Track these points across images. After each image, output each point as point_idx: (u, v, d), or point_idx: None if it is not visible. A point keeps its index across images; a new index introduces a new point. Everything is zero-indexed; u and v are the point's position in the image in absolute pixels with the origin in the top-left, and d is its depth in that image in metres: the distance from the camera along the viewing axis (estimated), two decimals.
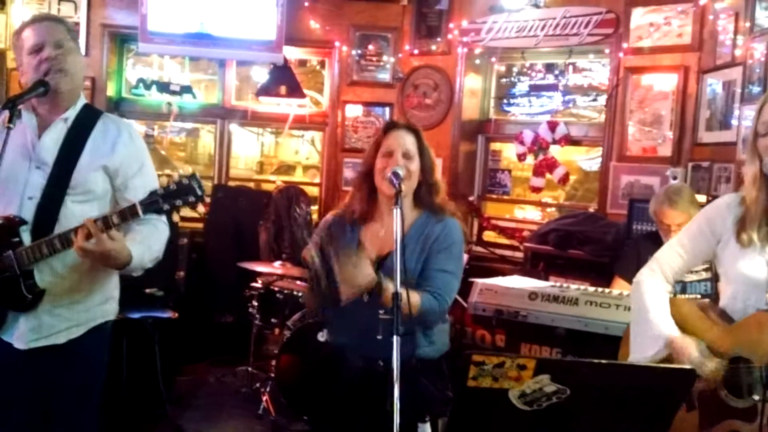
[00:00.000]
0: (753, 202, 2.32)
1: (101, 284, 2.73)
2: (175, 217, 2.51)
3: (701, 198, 4.14)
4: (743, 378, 2.26)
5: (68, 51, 2.62)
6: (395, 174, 2.59)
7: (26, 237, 2.55)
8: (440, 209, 2.81)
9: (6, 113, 2.52)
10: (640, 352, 2.48)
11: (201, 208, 2.42)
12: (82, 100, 2.75)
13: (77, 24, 6.51)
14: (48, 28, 2.62)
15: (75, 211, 2.60)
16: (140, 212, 2.39)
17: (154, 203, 2.38)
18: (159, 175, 2.92)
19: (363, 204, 2.84)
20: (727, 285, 2.44)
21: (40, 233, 2.54)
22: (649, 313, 2.48)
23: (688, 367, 2.14)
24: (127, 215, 2.40)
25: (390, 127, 2.85)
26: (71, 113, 2.68)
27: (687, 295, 3.63)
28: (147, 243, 2.59)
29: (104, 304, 2.77)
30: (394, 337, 2.20)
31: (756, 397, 2.17)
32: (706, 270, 3.58)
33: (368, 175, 2.82)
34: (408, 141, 2.77)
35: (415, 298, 2.58)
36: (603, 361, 1.92)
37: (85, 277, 2.65)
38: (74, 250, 2.41)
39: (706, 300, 3.10)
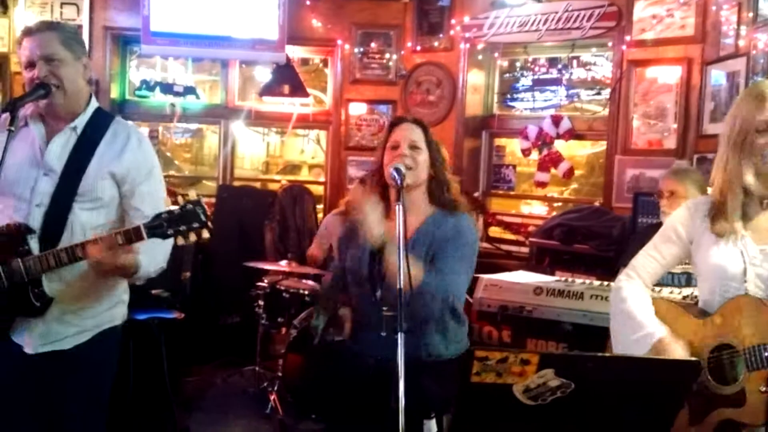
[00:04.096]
0: (732, 194, 2.32)
1: (110, 290, 2.73)
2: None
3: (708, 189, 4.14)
4: (726, 365, 2.27)
5: (61, 63, 2.59)
6: (396, 170, 2.58)
7: (34, 244, 2.55)
8: (453, 206, 2.81)
9: (7, 116, 2.52)
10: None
11: (206, 234, 2.41)
12: (94, 105, 2.73)
13: (80, 26, 6.53)
14: (40, 42, 2.58)
15: (83, 218, 2.60)
16: (144, 236, 2.38)
17: (158, 227, 2.38)
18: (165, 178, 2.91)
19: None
20: (704, 282, 2.43)
21: (48, 240, 2.55)
22: (636, 317, 2.44)
23: (693, 359, 2.13)
24: (132, 237, 2.39)
25: (396, 122, 2.86)
26: (81, 120, 2.67)
27: (665, 287, 3.62)
28: (153, 253, 2.58)
29: (113, 308, 2.77)
30: (399, 333, 2.19)
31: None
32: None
33: (378, 171, 2.83)
34: (414, 133, 2.78)
35: (418, 272, 2.56)
36: (607, 355, 1.93)
37: (93, 285, 2.65)
38: (85, 261, 2.42)
39: (685, 302, 3.10)
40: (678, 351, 2.33)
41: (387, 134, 2.83)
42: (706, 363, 2.29)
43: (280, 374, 5.15)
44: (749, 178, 2.28)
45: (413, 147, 2.74)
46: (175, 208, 2.40)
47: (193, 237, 2.39)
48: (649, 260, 2.55)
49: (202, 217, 2.39)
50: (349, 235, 2.86)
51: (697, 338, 2.35)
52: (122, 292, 2.81)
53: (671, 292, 3.44)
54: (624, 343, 2.47)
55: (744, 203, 2.32)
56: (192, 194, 2.41)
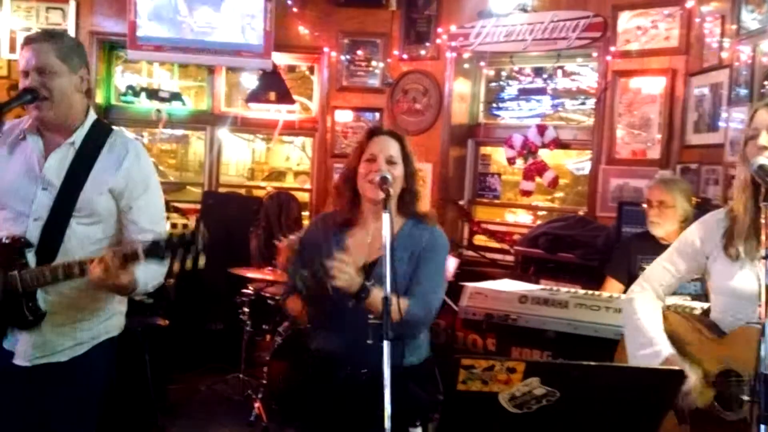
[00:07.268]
0: (741, 211, 2.32)
1: (106, 303, 2.72)
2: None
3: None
4: (733, 391, 2.27)
5: (54, 75, 2.56)
6: (383, 179, 2.58)
7: (31, 258, 2.54)
8: (425, 217, 2.83)
9: None
10: None
11: (202, 261, 2.42)
12: (92, 118, 2.70)
13: (66, 31, 6.50)
14: (35, 52, 2.56)
15: (80, 233, 2.60)
16: (141, 256, 2.37)
17: (156, 250, 2.36)
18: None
19: (346, 209, 2.84)
20: (717, 298, 2.44)
21: (45, 254, 2.54)
22: (646, 333, 2.46)
23: (676, 368, 2.14)
24: (129, 257, 2.38)
25: (374, 132, 2.85)
26: (79, 135, 2.64)
27: (677, 296, 3.64)
28: (151, 268, 2.57)
29: (109, 320, 2.76)
30: (384, 341, 2.19)
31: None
32: None
33: (350, 179, 2.82)
34: (392, 147, 2.78)
35: (403, 304, 2.56)
36: (592, 363, 1.93)
37: (90, 298, 2.64)
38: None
39: (696, 313, 3.11)
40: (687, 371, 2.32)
41: (364, 143, 2.82)
42: (711, 398, 2.29)
43: (264, 382, 5.13)
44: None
45: (390, 162, 2.75)
46: (174, 232, 2.41)
47: (188, 263, 2.38)
48: (664, 272, 2.55)
49: (199, 245, 2.37)
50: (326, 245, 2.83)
51: (707, 358, 2.35)
52: (118, 303, 2.80)
53: None
54: (634, 356, 2.49)
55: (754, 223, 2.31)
56: (192, 224, 2.43)
